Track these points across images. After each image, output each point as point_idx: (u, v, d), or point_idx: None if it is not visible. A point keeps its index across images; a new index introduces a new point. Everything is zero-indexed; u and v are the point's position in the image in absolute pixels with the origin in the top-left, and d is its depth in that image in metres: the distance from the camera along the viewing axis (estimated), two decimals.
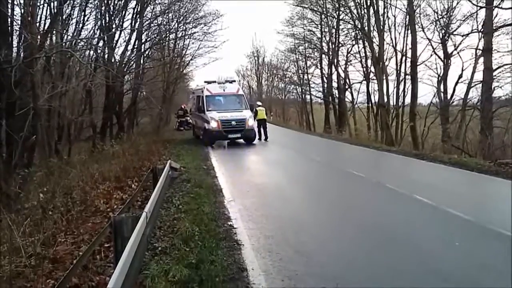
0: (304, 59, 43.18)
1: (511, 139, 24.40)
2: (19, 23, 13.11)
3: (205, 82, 21.47)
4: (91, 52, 20.41)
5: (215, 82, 21.41)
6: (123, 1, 21.35)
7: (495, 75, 22.38)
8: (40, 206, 7.77)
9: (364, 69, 34.36)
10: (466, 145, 23.62)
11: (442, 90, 27.85)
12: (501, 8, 18.96)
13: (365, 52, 33.20)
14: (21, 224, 6.51)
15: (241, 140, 19.98)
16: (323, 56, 39.50)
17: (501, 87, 24.79)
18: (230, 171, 12.57)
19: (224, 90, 20.65)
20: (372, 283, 4.60)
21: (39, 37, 13.20)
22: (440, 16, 27.07)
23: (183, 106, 34.71)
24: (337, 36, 36.60)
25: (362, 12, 28.64)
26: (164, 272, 4.68)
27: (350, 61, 37.06)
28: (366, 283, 4.59)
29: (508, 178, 10.09)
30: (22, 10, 13.08)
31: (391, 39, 30.99)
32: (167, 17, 26.78)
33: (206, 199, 8.44)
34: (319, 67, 40.68)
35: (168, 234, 6.30)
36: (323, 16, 36.35)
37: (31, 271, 4.97)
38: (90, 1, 18.55)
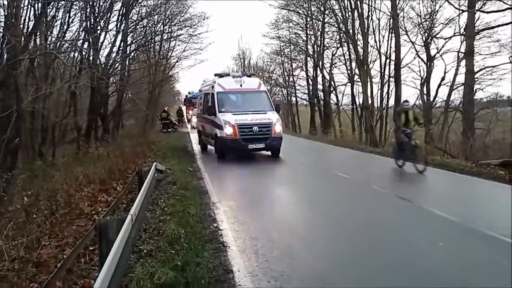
0: (289, 62, 43.29)
1: (492, 141, 24.86)
2: (2, 25, 12.98)
3: (215, 75, 17.03)
4: (76, 54, 20.31)
5: (228, 75, 17.02)
6: (108, 3, 21.23)
7: (476, 78, 22.83)
8: (23, 209, 7.70)
9: (349, 71, 34.66)
10: (449, 147, 23.95)
11: (425, 92, 28.30)
12: (483, 11, 19.31)
13: (349, 54, 33.50)
14: (4, 227, 6.44)
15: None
16: (309, 58, 39.72)
17: (482, 89, 25.36)
18: (215, 172, 12.59)
19: (241, 86, 15.78)
20: (358, 283, 4.65)
21: (22, 38, 13.09)
22: (423, 20, 27.54)
23: (166, 109, 34.64)
24: (322, 39, 36.82)
25: (347, 15, 28.89)
26: (150, 275, 4.67)
27: (335, 63, 37.31)
28: (351, 284, 4.65)
29: (489, 179, 10.28)
30: (6, 12, 12.95)
31: (375, 42, 31.37)
32: (153, 19, 26.75)
33: (192, 201, 8.44)
34: (305, 70, 40.90)
35: (154, 236, 6.28)
36: (308, 19, 36.55)
37: (15, 275, 4.91)
38: (75, 3, 18.40)
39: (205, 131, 17.27)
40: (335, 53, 36.96)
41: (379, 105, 31.15)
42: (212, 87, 16.05)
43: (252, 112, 14.70)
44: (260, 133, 14.15)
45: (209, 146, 17.06)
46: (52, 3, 16.03)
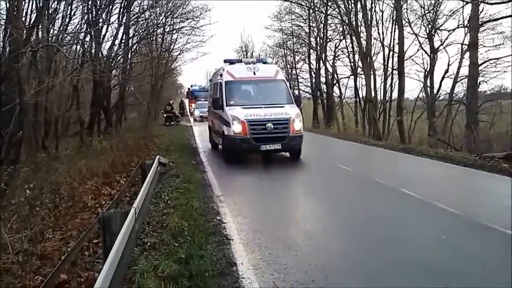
0: (292, 54, 43.12)
1: (496, 133, 24.78)
2: (4, 18, 12.94)
3: (225, 61, 14.73)
4: (78, 47, 20.23)
5: (240, 61, 14.71)
6: None
7: (480, 70, 22.69)
8: (27, 202, 7.71)
9: (352, 64, 34.55)
10: (452, 139, 23.93)
11: (428, 85, 28.18)
12: (487, 3, 19.14)
13: (352, 47, 33.35)
14: (8, 220, 6.46)
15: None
16: (311, 51, 39.53)
17: (486, 82, 25.29)
18: (218, 165, 12.59)
19: (254, 74, 13.40)
20: (360, 275, 4.65)
21: (24, 31, 13.05)
22: (426, 11, 27.32)
23: (171, 102, 34.75)
24: (325, 31, 36.66)
25: (350, 7, 28.70)
26: (153, 268, 4.68)
27: (338, 56, 37.15)
28: (353, 276, 4.65)
29: (493, 172, 10.24)
30: (8, 4, 12.90)
31: (379, 34, 31.22)
32: (155, 11, 26.62)
33: (195, 194, 8.44)
34: (307, 62, 40.73)
35: (157, 229, 6.28)
36: (311, 11, 36.34)
37: (19, 268, 4.94)
38: None
39: (214, 127, 15.18)
40: (338, 45, 36.85)
41: (382, 97, 31.08)
42: (221, 75, 13.82)
43: (266, 106, 12.38)
44: (275, 131, 11.85)
45: (219, 146, 14.77)
46: None
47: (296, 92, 37.65)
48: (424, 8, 27.35)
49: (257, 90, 13.64)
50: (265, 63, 14.59)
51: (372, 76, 27.29)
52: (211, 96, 16.00)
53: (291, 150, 12.63)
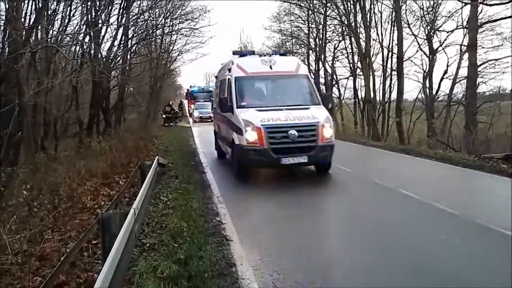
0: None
1: (495, 134, 24.82)
2: (4, 18, 12.93)
3: (234, 53, 12.54)
4: (77, 48, 20.18)
5: (253, 53, 12.17)
6: None
7: (479, 71, 22.76)
8: (26, 203, 7.71)
9: (351, 65, 34.59)
10: (451, 140, 23.96)
11: (427, 86, 28.27)
12: (486, 4, 19.17)
13: (351, 48, 33.40)
14: (7, 221, 6.45)
15: None
16: (310, 52, 39.55)
17: (485, 83, 25.40)
18: (216, 165, 12.58)
19: (271, 68, 10.98)
20: (358, 277, 4.66)
21: (24, 32, 13.04)
22: (425, 13, 27.45)
23: (170, 103, 34.82)
24: (324, 32, 36.66)
25: (349, 8, 28.74)
26: (153, 269, 4.68)
27: (337, 57, 37.20)
28: (351, 278, 4.65)
29: (492, 172, 10.25)
30: (7, 5, 12.89)
31: (378, 35, 31.30)
32: (154, 12, 26.56)
33: (194, 195, 8.45)
34: (307, 63, 40.67)
35: (157, 230, 6.29)
36: (310, 12, 36.35)
37: (18, 269, 4.94)
38: None
39: (221, 133, 12.77)
40: (337, 46, 36.88)
41: (381, 98, 31.13)
42: (229, 70, 11.38)
43: (287, 108, 9.99)
44: (300, 140, 9.45)
45: (227, 155, 12.29)
46: None
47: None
48: (423, 9, 27.52)
49: (274, 88, 11.26)
50: (283, 55, 12.38)
51: (371, 77, 27.35)
52: (217, 96, 13.75)
53: (321, 162, 10.15)
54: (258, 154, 9.42)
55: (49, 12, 16.75)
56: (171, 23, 29.71)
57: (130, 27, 24.05)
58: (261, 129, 9.37)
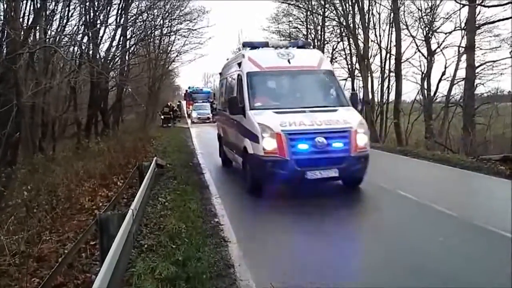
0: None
1: (493, 136, 24.86)
2: (2, 19, 12.93)
3: (244, 45, 10.82)
4: (75, 48, 20.25)
5: (266, 44, 10.44)
6: None
7: (477, 73, 22.82)
8: (24, 204, 7.70)
9: (349, 66, 34.64)
10: (449, 142, 23.99)
11: (425, 87, 28.29)
12: (484, 6, 19.22)
13: (350, 49, 33.48)
14: (5, 222, 6.45)
15: None
16: None
17: (483, 84, 25.44)
18: (213, 163, 12.57)
19: (289, 62, 9.36)
20: (357, 278, 4.66)
21: (22, 32, 13.03)
22: (423, 14, 27.48)
23: (169, 103, 34.81)
24: (322, 33, 36.73)
25: (347, 9, 28.79)
26: (151, 270, 4.67)
27: (335, 58, 37.18)
28: (350, 278, 4.65)
29: (490, 174, 10.27)
30: (5, 5, 12.89)
31: (376, 36, 31.32)
32: (152, 13, 26.63)
33: (193, 196, 8.44)
34: None
35: (155, 231, 6.28)
36: (308, 13, 36.44)
37: (16, 270, 4.93)
38: None
39: (227, 138, 11.07)
40: (336, 47, 36.92)
41: (379, 100, 31.15)
42: (239, 64, 9.80)
43: (311, 109, 8.47)
44: (329, 150, 7.89)
45: (234, 162, 10.88)
46: None
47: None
48: (421, 10, 27.57)
49: (294, 85, 9.60)
50: (301, 47, 10.44)
51: (369, 78, 27.40)
52: (222, 95, 12.28)
53: (353, 176, 8.47)
54: (278, 167, 7.75)
55: (47, 13, 16.77)
56: (170, 23, 29.86)
57: (128, 27, 24.13)
58: (281, 136, 7.76)
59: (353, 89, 34.10)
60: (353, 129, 8.12)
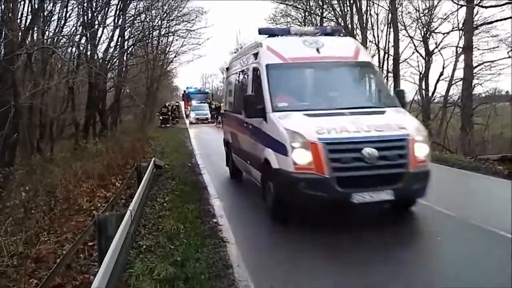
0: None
1: (491, 136, 24.91)
2: (0, 20, 12.91)
3: (260, 32, 8.55)
4: (73, 49, 20.21)
5: (288, 31, 8.41)
6: None
7: (475, 73, 22.86)
8: (22, 205, 7.69)
9: None
10: (447, 142, 24.00)
11: (423, 87, 28.37)
12: (482, 6, 19.28)
13: None
14: (3, 223, 6.44)
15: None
16: None
17: (481, 84, 25.48)
18: (214, 167, 12.55)
19: (318, 52, 7.39)
20: (354, 275, 4.66)
21: (20, 33, 13.01)
22: (421, 14, 27.54)
23: (167, 104, 34.81)
24: None
25: (345, 10, 28.84)
26: (149, 271, 4.67)
27: None
28: (346, 275, 4.66)
29: (488, 174, 10.28)
30: (3, 6, 12.88)
31: (374, 36, 31.30)
32: (151, 14, 26.62)
33: (191, 197, 8.43)
34: None
35: (153, 232, 6.27)
36: (306, 14, 36.43)
37: (14, 271, 4.92)
38: None
39: (239, 146, 8.99)
40: None
41: None
42: (255, 55, 7.92)
43: (351, 111, 6.60)
44: (381, 165, 5.91)
45: (244, 173, 9.27)
46: None
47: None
48: (419, 11, 27.63)
49: (327, 81, 7.66)
50: (330, 34, 8.55)
51: None
52: (230, 94, 10.42)
53: (411, 196, 6.54)
54: (314, 188, 5.83)
55: (45, 13, 16.78)
56: (168, 24, 29.89)
57: (126, 28, 24.14)
58: (318, 146, 5.82)
59: None
60: (411, 137, 6.14)
